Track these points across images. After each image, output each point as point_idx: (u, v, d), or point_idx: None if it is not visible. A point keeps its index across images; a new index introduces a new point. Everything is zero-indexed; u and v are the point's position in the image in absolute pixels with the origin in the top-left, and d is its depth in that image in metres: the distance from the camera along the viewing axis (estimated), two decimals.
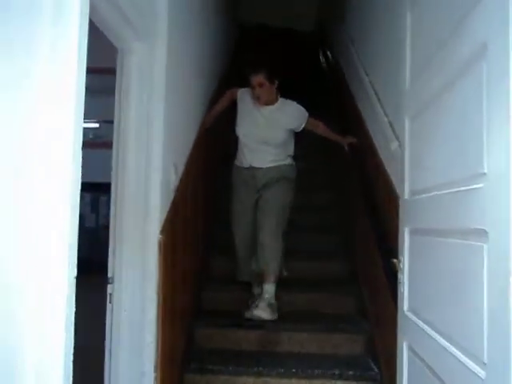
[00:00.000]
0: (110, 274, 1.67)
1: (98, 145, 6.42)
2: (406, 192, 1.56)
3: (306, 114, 2.79)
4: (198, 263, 2.90)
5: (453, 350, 1.07)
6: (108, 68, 2.33)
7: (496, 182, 0.87)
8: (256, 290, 2.81)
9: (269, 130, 2.69)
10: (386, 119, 2.31)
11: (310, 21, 6.18)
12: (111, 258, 1.67)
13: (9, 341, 0.75)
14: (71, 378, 0.86)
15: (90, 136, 7.76)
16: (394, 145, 2.09)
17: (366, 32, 3.02)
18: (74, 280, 0.77)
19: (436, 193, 1.27)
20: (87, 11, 0.94)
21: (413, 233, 1.51)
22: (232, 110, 2.89)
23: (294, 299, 2.88)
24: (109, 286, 1.68)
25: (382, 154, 2.41)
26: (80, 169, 0.86)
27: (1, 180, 0.78)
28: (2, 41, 0.84)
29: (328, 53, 4.66)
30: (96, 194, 9.06)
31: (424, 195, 1.38)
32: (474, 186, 0.95)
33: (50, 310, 0.75)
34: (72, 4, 0.91)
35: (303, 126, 2.79)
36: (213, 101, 3.12)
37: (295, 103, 2.79)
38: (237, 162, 2.83)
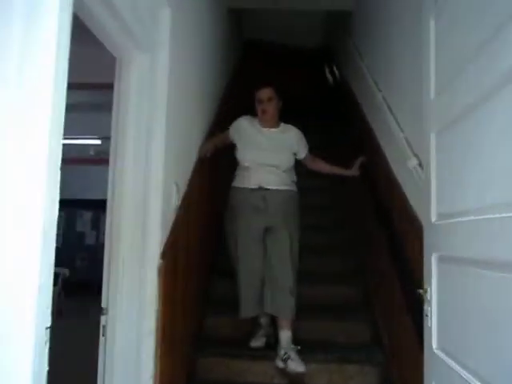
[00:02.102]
0: (103, 305, 1.51)
1: (99, 161, 6.33)
2: (432, 214, 1.40)
3: (307, 144, 2.66)
4: (200, 288, 2.73)
5: None
6: (111, 83, 2.23)
7: None
8: (263, 320, 2.62)
9: (275, 153, 2.51)
10: (401, 135, 2.17)
11: (316, 37, 6.12)
12: (105, 286, 1.52)
13: None
14: None
15: (92, 152, 7.68)
16: (413, 162, 1.95)
17: (378, 45, 2.91)
18: (47, 332, 0.60)
19: (472, 217, 1.12)
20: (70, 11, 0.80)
21: (442, 260, 1.35)
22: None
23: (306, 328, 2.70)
24: (102, 317, 1.51)
25: (398, 174, 2.26)
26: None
27: None
28: None
29: (335, 69, 4.58)
30: (97, 212, 9.00)
31: (457, 219, 1.22)
32: None
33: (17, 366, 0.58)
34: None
35: (305, 153, 2.64)
36: (215, 121, 3.00)
37: (296, 127, 2.66)
38: (238, 184, 2.55)
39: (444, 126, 1.36)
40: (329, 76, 4.75)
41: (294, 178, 2.63)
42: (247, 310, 2.45)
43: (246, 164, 2.51)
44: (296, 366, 2.24)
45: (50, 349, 0.62)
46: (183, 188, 2.12)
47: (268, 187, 2.47)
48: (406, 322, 2.00)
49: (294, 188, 2.59)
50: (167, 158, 1.81)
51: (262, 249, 2.48)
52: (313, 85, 5.56)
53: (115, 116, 1.75)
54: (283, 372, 2.35)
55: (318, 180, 4.07)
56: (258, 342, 2.54)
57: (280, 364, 2.32)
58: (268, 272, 2.46)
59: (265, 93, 2.52)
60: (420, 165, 1.90)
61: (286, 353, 2.30)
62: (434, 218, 1.39)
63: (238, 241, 2.48)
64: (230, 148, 2.63)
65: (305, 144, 2.65)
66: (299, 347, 2.34)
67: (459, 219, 1.22)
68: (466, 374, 1.16)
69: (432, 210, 1.40)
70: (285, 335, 2.38)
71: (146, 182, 1.74)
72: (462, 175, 1.21)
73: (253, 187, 2.48)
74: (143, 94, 1.70)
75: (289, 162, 2.55)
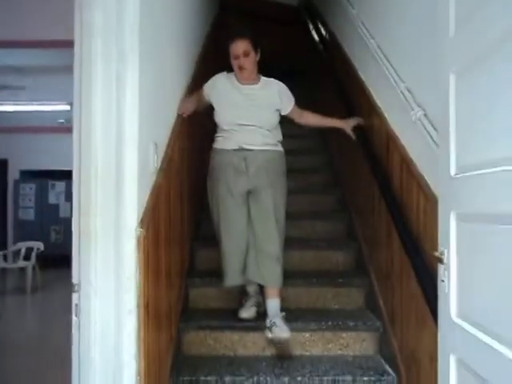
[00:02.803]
0: (75, 280, 1.31)
1: (69, 129, 5.96)
2: (451, 167, 1.23)
3: (293, 97, 2.41)
4: (185, 257, 2.55)
5: None
6: None
7: None
8: (251, 289, 2.47)
9: (256, 112, 2.28)
10: (402, 85, 1.97)
11: None
12: (76, 260, 1.31)
13: None
14: None
15: (61, 120, 7.23)
16: (418, 114, 1.76)
17: None
18: None
19: (504, 167, 0.95)
20: None
21: (463, 218, 1.19)
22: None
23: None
24: (74, 295, 1.31)
25: (398, 128, 2.08)
26: None
27: None
28: None
29: (320, 25, 4.29)
30: (70, 183, 8.61)
31: (483, 170, 1.05)
32: None
33: None
34: None
35: (290, 107, 2.40)
36: (195, 74, 2.75)
37: (279, 81, 2.40)
38: (219, 145, 2.36)
39: (466, 65, 1.17)
40: (313, 32, 4.47)
41: (280, 137, 2.41)
42: (232, 279, 2.31)
43: (226, 127, 2.31)
44: (280, 332, 2.14)
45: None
46: (162, 148, 1.89)
47: (249, 148, 2.28)
48: (409, 287, 1.88)
49: (278, 148, 2.39)
50: (142, 113, 1.57)
51: (246, 213, 2.32)
52: (295, 42, 5.28)
53: (78, 65, 1.48)
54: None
55: (306, 141, 3.90)
56: (247, 313, 2.39)
57: (268, 334, 2.21)
58: (252, 239, 2.30)
59: (240, 47, 2.24)
60: (426, 116, 1.72)
61: (271, 320, 2.20)
62: (453, 171, 1.22)
63: (220, 205, 2.31)
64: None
65: (289, 98, 2.41)
66: (284, 313, 2.24)
67: (486, 170, 1.05)
68: (494, 342, 1.03)
69: (451, 162, 1.23)
70: (272, 304, 2.26)
71: (118, 141, 1.50)
72: (490, 120, 1.03)
73: (234, 148, 2.29)
74: (110, 35, 1.44)
75: (272, 120, 2.34)
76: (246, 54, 2.25)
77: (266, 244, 2.27)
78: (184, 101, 2.38)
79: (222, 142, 2.34)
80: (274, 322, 2.18)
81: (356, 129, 2.51)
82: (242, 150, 2.28)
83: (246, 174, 2.29)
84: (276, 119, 2.37)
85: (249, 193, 2.33)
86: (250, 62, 2.27)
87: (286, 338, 2.15)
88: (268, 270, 2.27)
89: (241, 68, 2.27)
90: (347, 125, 2.54)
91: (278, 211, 2.31)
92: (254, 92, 2.33)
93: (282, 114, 2.41)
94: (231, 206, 2.30)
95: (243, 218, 2.31)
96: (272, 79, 2.40)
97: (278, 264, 2.28)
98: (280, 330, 2.15)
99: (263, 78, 2.38)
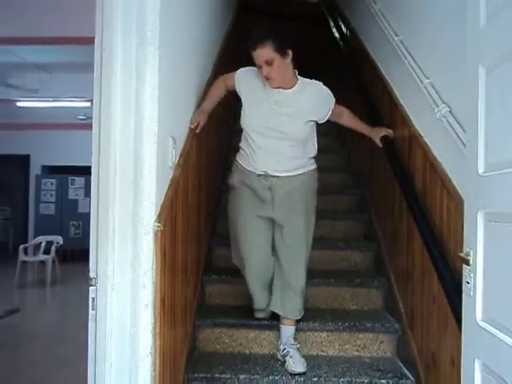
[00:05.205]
0: (92, 274, 1.31)
1: (89, 126, 6.03)
2: (479, 165, 1.18)
3: (333, 99, 2.13)
4: (202, 253, 2.54)
5: None
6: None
7: None
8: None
9: (286, 122, 2.03)
10: (426, 81, 1.92)
11: None
12: (93, 254, 1.31)
13: None
14: None
15: (81, 116, 7.32)
16: (442, 110, 1.71)
17: None
18: None
19: None
20: None
21: (491, 218, 1.14)
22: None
23: None
24: (91, 289, 1.31)
25: (421, 126, 2.03)
26: None
27: None
28: None
29: (340, 22, 4.22)
30: (90, 178, 8.71)
31: None
32: None
33: None
34: None
35: (328, 116, 2.13)
36: (214, 70, 2.73)
37: (320, 84, 2.12)
38: (242, 163, 2.15)
39: (498, 57, 1.12)
40: (334, 30, 4.40)
41: (314, 151, 2.18)
42: (259, 302, 2.24)
43: (249, 133, 2.08)
44: (295, 365, 2.04)
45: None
46: (180, 143, 1.88)
47: (276, 174, 2.06)
48: (430, 289, 1.83)
49: (309, 167, 2.16)
50: (161, 109, 1.55)
51: (269, 238, 2.17)
52: (315, 39, 5.22)
53: (98, 59, 1.48)
54: None
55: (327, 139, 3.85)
56: (262, 313, 2.35)
57: (280, 358, 2.16)
58: (278, 269, 2.17)
59: (260, 56, 1.94)
60: (451, 112, 1.67)
61: (285, 349, 2.13)
62: (481, 170, 1.18)
63: (241, 229, 2.15)
64: (233, 97, 2.26)
65: (327, 105, 2.12)
66: (299, 345, 2.16)
67: None
68: None
69: (479, 160, 1.18)
70: (286, 331, 2.18)
71: (136, 135, 1.49)
72: None
73: (258, 173, 2.08)
74: (130, 27, 1.43)
75: (302, 133, 2.07)
76: (270, 63, 1.94)
77: (292, 277, 2.14)
78: (197, 113, 2.12)
79: (245, 160, 2.14)
80: (288, 351, 2.10)
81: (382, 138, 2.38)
82: (267, 176, 2.07)
83: (270, 203, 2.11)
84: (308, 131, 2.10)
85: (273, 219, 2.16)
86: (275, 69, 1.96)
87: (302, 372, 2.04)
88: (290, 303, 2.16)
89: (267, 78, 2.00)
90: (376, 134, 2.34)
91: (304, 237, 2.15)
92: (285, 99, 2.05)
93: (319, 122, 2.16)
94: (252, 231, 2.14)
95: (265, 243, 2.17)
96: (312, 82, 2.12)
97: (301, 297, 2.17)
98: (293, 362, 2.05)
99: (301, 80, 2.09)
